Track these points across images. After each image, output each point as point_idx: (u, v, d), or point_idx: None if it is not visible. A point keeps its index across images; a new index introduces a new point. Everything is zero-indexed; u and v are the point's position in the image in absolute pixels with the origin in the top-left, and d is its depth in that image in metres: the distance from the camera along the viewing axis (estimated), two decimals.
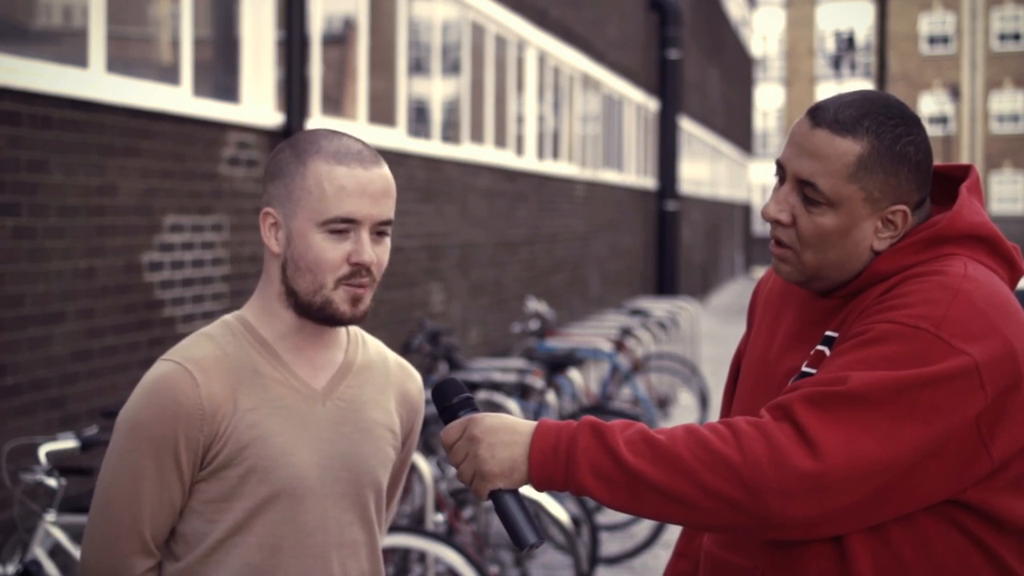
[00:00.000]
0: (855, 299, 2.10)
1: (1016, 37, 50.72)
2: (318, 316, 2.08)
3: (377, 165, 2.07)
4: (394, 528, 4.96)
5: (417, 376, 2.32)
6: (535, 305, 10.01)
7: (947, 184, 2.22)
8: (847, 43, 41.20)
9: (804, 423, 1.92)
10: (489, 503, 6.45)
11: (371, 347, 2.26)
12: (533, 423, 2.03)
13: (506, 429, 2.01)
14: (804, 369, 2.09)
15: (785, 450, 1.91)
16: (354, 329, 2.24)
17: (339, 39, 8.59)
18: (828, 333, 2.10)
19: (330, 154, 2.06)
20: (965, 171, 2.19)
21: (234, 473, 2.06)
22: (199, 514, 2.07)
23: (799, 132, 2.09)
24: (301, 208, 2.05)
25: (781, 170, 2.11)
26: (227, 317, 2.16)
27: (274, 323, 2.12)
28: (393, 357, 2.29)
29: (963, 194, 2.12)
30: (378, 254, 2.08)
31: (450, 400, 2.07)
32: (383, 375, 2.24)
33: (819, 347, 2.09)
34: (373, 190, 2.05)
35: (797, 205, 2.08)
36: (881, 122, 2.05)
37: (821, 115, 2.07)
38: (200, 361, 2.06)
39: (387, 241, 2.11)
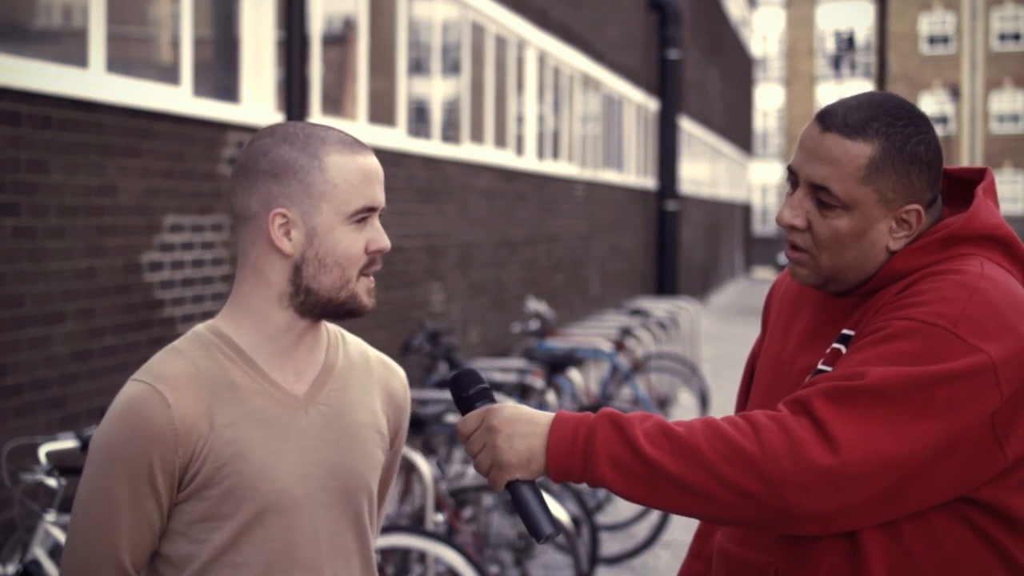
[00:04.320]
0: (872, 298, 2.12)
1: (1016, 37, 50.72)
2: (337, 312, 2.04)
3: (372, 151, 2.09)
4: (394, 528, 4.96)
5: (401, 372, 2.26)
6: (535, 305, 10.02)
7: (962, 186, 2.24)
8: (847, 43, 41.18)
9: (822, 417, 1.94)
10: (491, 502, 6.45)
11: (351, 346, 2.19)
12: (551, 414, 2.04)
13: (524, 420, 2.01)
14: (820, 367, 2.10)
15: (803, 444, 1.92)
16: (334, 328, 2.18)
17: (339, 39, 8.59)
18: (845, 331, 2.12)
19: (339, 144, 2.03)
20: (981, 174, 2.22)
21: (214, 492, 1.99)
22: (183, 535, 2.01)
23: (809, 137, 2.10)
24: (327, 203, 2.00)
25: (793, 175, 2.13)
26: (198, 328, 2.07)
27: (262, 328, 2.04)
28: (375, 354, 2.23)
29: (979, 196, 2.15)
30: None
31: (467, 391, 2.06)
32: (366, 375, 2.17)
33: (835, 345, 2.11)
34: (381, 176, 2.07)
35: (811, 210, 2.10)
36: (890, 123, 2.07)
37: (830, 119, 2.09)
38: (171, 380, 1.98)
39: None
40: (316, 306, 2.04)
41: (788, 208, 2.12)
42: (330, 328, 2.16)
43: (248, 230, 2.05)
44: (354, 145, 2.05)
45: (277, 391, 2.04)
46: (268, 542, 2.02)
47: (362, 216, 2.02)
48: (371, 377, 2.18)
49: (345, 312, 2.05)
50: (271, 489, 2.01)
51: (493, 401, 2.07)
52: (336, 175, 2.01)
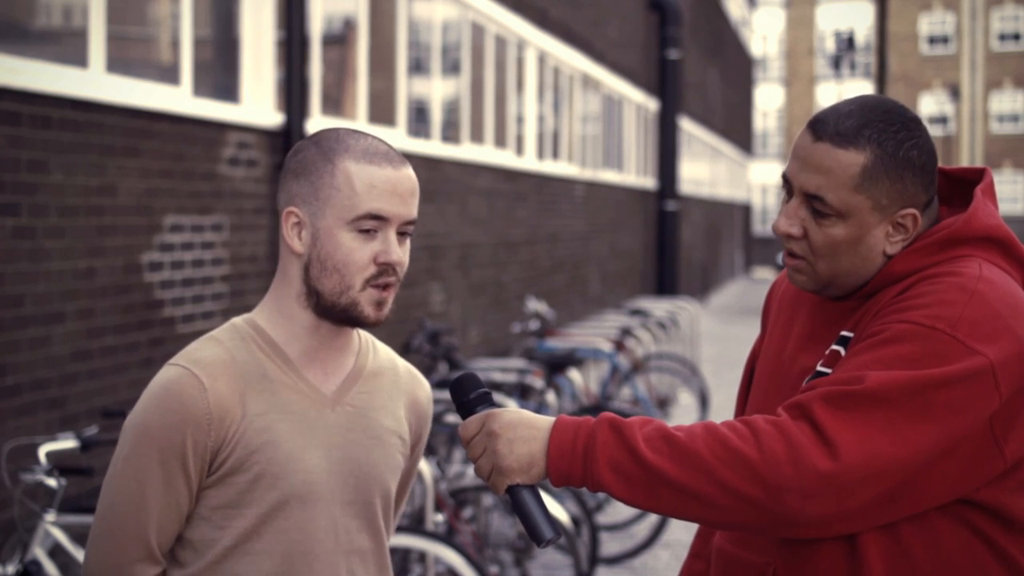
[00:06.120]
0: (870, 300, 2.12)
1: (1016, 37, 50.71)
2: (341, 318, 2.07)
3: (405, 165, 2.09)
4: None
5: (426, 383, 2.31)
6: (535, 305, 10.01)
7: (961, 186, 2.24)
8: (847, 43, 41.17)
9: (822, 422, 1.94)
10: (491, 502, 6.45)
11: (381, 353, 2.24)
12: (551, 418, 2.04)
13: (524, 424, 2.02)
14: (819, 368, 2.11)
15: (804, 449, 1.93)
16: (366, 335, 2.23)
17: (339, 39, 8.59)
18: (843, 333, 2.12)
19: (359, 153, 2.06)
20: (980, 174, 2.21)
21: (243, 479, 2.04)
22: (207, 520, 2.05)
23: (802, 146, 2.11)
24: (330, 207, 2.04)
25: (788, 184, 2.13)
26: (236, 320, 2.13)
27: (289, 325, 2.10)
28: (403, 364, 2.28)
29: (978, 196, 2.14)
30: (402, 254, 2.09)
31: (468, 395, 2.07)
32: (393, 382, 2.22)
33: (834, 347, 2.11)
34: (402, 190, 2.06)
35: (807, 218, 2.10)
36: (882, 129, 2.06)
37: (822, 128, 2.08)
38: (207, 365, 2.04)
39: (408, 242, 2.11)
40: (326, 309, 2.08)
41: (784, 217, 2.13)
42: (362, 335, 2.21)
43: (280, 226, 2.11)
44: (377, 156, 2.06)
45: (307, 387, 2.10)
46: (288, 532, 2.06)
47: (367, 226, 2.04)
48: (398, 385, 2.23)
49: (349, 319, 2.08)
50: (297, 480, 2.06)
51: (493, 405, 2.07)
52: (343, 181, 2.04)
